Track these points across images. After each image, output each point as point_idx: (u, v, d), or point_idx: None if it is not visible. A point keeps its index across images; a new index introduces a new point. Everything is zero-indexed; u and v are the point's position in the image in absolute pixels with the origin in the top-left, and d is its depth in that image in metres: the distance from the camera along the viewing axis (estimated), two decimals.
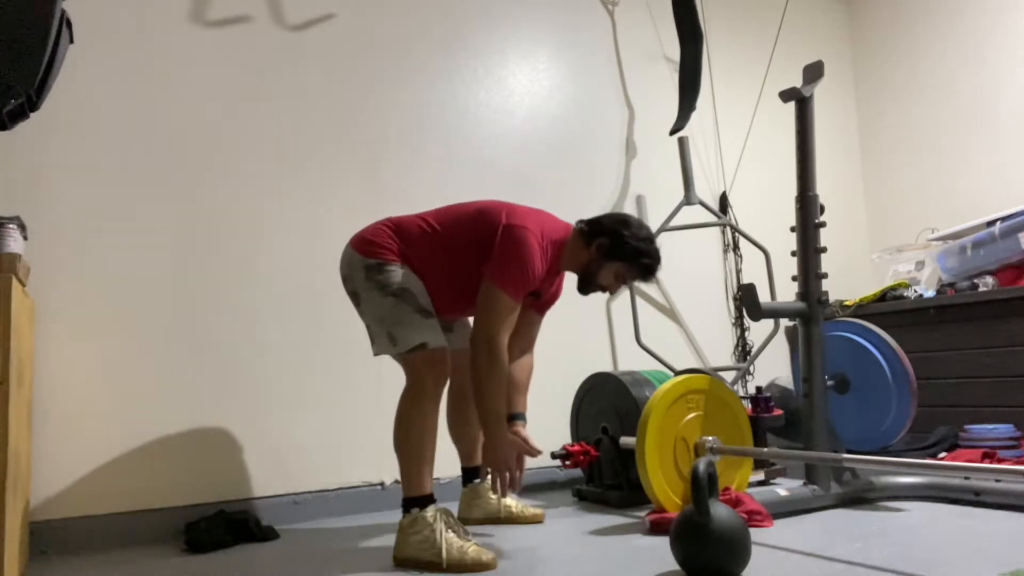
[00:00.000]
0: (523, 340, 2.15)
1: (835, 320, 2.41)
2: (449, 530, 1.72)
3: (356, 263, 1.92)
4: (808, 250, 2.16)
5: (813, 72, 2.22)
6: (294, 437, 2.45)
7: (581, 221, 2.07)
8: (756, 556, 1.57)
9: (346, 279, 1.97)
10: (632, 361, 3.16)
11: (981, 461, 2.40)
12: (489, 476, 1.94)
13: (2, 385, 1.57)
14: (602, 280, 2.03)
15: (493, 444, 1.83)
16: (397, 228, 1.96)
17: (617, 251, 1.98)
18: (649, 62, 3.55)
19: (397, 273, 1.88)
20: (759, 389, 2.63)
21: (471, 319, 2.19)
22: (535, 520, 2.19)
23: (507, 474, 1.84)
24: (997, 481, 2.01)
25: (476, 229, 1.91)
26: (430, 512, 1.75)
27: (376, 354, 1.93)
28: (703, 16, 3.53)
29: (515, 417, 2.02)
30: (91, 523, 2.12)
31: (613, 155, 3.37)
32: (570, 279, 2.13)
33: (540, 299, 2.13)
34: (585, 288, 2.06)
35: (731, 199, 3.64)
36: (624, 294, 3.23)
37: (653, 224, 3.39)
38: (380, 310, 1.88)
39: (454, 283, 1.94)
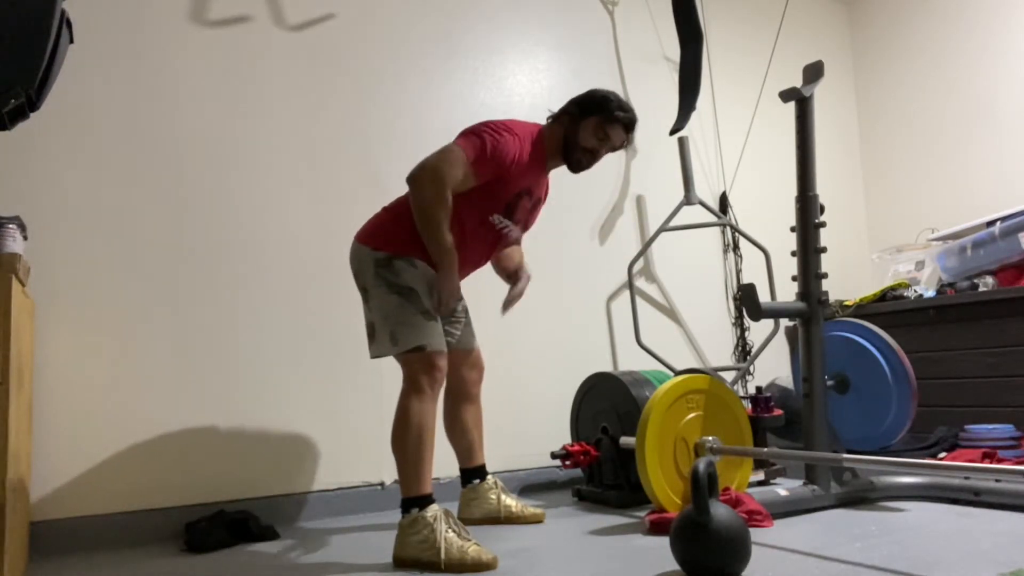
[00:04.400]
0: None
1: (835, 320, 2.41)
2: (449, 530, 1.72)
3: (365, 257, 1.93)
4: (808, 250, 2.16)
5: (813, 72, 2.21)
6: (294, 437, 2.45)
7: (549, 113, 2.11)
8: (756, 556, 1.57)
9: (357, 274, 1.98)
10: (632, 361, 3.16)
11: (981, 461, 2.40)
12: None
13: (2, 385, 1.57)
14: (584, 142, 2.03)
15: (446, 275, 1.85)
16: (395, 212, 1.98)
17: (587, 106, 2.02)
18: (649, 62, 3.55)
19: (405, 270, 1.89)
20: (759, 389, 2.63)
21: (471, 321, 2.20)
22: (535, 520, 2.19)
23: (445, 300, 1.86)
24: (997, 481, 2.01)
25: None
26: (430, 512, 1.75)
27: (373, 356, 1.94)
28: (703, 16, 3.53)
29: (519, 269, 2.13)
30: (91, 523, 2.12)
31: (613, 155, 3.36)
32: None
33: (531, 199, 2.08)
34: (572, 158, 2.04)
35: (731, 199, 3.64)
36: (624, 294, 3.24)
37: (653, 224, 3.40)
38: (385, 308, 1.89)
39: (461, 232, 1.93)
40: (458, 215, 1.91)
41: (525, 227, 2.15)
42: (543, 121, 2.09)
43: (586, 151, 2.04)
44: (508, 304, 2.10)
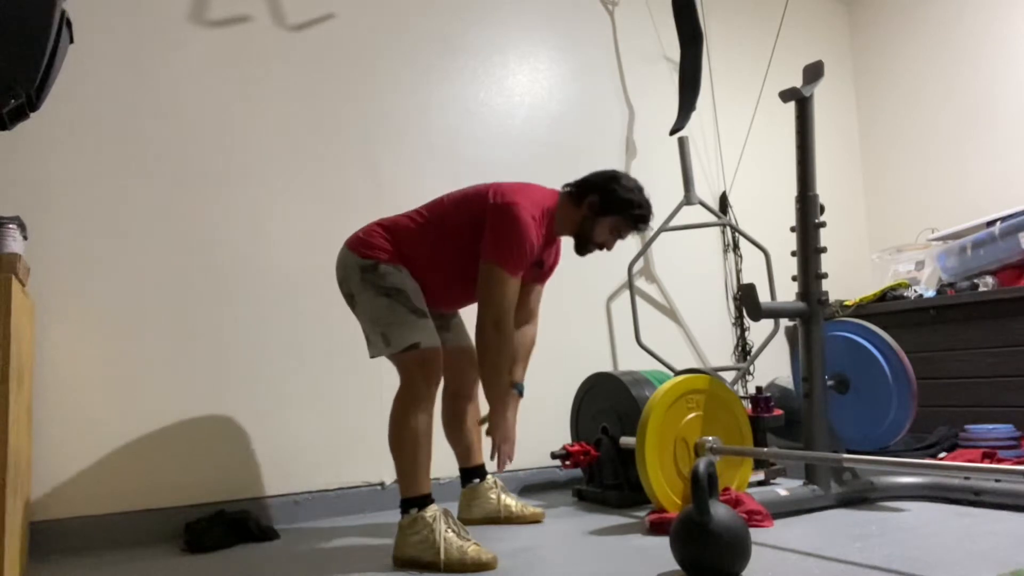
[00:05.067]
0: (525, 311, 2.17)
1: (835, 320, 2.41)
2: (449, 530, 1.72)
3: (351, 264, 1.93)
4: (808, 250, 2.16)
5: (813, 72, 2.21)
6: (294, 437, 2.45)
7: (567, 184, 2.10)
8: (756, 556, 1.57)
9: (342, 281, 1.98)
10: (632, 361, 3.16)
11: (981, 461, 2.40)
12: (495, 459, 1.98)
13: (2, 385, 1.57)
14: (597, 237, 2.05)
15: (501, 421, 1.91)
16: (390, 228, 1.98)
17: (608, 205, 2.02)
18: (649, 62, 3.55)
19: (391, 273, 1.89)
20: (759, 389, 2.63)
21: (464, 321, 2.20)
22: (535, 520, 2.19)
23: (509, 449, 1.93)
24: (997, 481, 2.01)
25: (466, 210, 1.94)
26: (429, 512, 1.75)
27: (372, 356, 1.94)
28: (703, 16, 3.53)
29: (511, 386, 2.06)
30: (91, 523, 2.12)
31: (613, 155, 3.37)
32: (568, 246, 2.13)
33: (542, 269, 2.14)
34: (582, 248, 2.08)
35: (731, 199, 3.64)
36: (624, 294, 3.24)
37: (653, 224, 3.39)
38: (374, 311, 1.89)
39: (450, 272, 1.95)
40: (456, 255, 1.93)
41: (542, 278, 2.18)
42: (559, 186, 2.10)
43: (598, 245, 2.08)
44: (498, 458, 1.99)
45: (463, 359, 2.19)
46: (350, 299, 1.97)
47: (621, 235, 2.08)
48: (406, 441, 1.81)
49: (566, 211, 2.05)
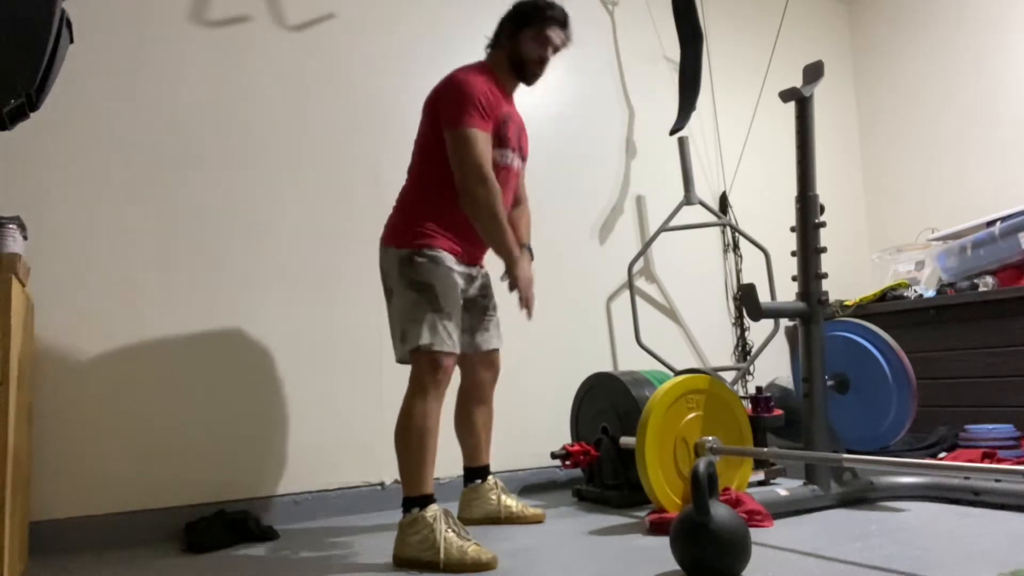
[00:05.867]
0: (514, 193, 2.17)
1: (835, 320, 2.41)
2: (449, 530, 1.72)
3: (391, 258, 1.96)
4: (808, 250, 2.16)
5: (813, 72, 2.21)
6: (294, 437, 2.45)
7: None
8: (756, 556, 1.57)
9: (385, 276, 2.01)
10: (632, 361, 3.16)
11: (981, 461, 2.40)
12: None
13: (2, 385, 1.57)
14: (528, 53, 2.06)
15: (517, 267, 1.92)
16: (401, 204, 2.03)
17: (518, 20, 2.06)
18: (649, 62, 3.55)
19: (425, 266, 1.90)
20: (759, 389, 2.63)
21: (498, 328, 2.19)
22: (535, 520, 2.19)
23: (530, 296, 1.95)
24: (997, 481, 2.01)
25: (428, 125, 2.00)
26: (430, 512, 1.75)
27: (398, 360, 1.94)
28: (703, 16, 3.53)
29: (521, 247, 2.09)
30: (91, 523, 2.12)
31: (613, 155, 3.37)
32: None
33: (511, 130, 2.08)
34: (524, 72, 2.08)
35: (731, 199, 3.64)
36: (624, 294, 3.24)
37: (653, 224, 3.40)
38: (402, 306, 1.91)
39: (455, 194, 1.95)
40: (449, 177, 1.94)
41: (522, 154, 2.15)
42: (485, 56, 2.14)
43: (535, 62, 2.07)
44: (526, 306, 2.02)
45: (483, 363, 2.18)
46: (388, 293, 2.00)
47: (548, 41, 2.06)
48: (412, 441, 1.81)
49: (496, 58, 2.10)
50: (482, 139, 1.90)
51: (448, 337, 1.88)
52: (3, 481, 1.56)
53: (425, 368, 1.84)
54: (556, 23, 2.06)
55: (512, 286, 1.95)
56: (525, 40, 2.05)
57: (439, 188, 1.96)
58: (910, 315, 3.28)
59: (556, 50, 2.10)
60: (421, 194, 2.00)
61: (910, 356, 2.28)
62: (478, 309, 2.15)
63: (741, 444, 2.19)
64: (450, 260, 1.94)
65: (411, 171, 2.07)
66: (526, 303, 1.95)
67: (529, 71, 2.08)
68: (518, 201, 2.22)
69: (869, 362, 2.28)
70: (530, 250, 2.14)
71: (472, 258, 2.07)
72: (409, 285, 1.89)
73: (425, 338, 1.84)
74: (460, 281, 1.97)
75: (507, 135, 2.02)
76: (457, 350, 1.90)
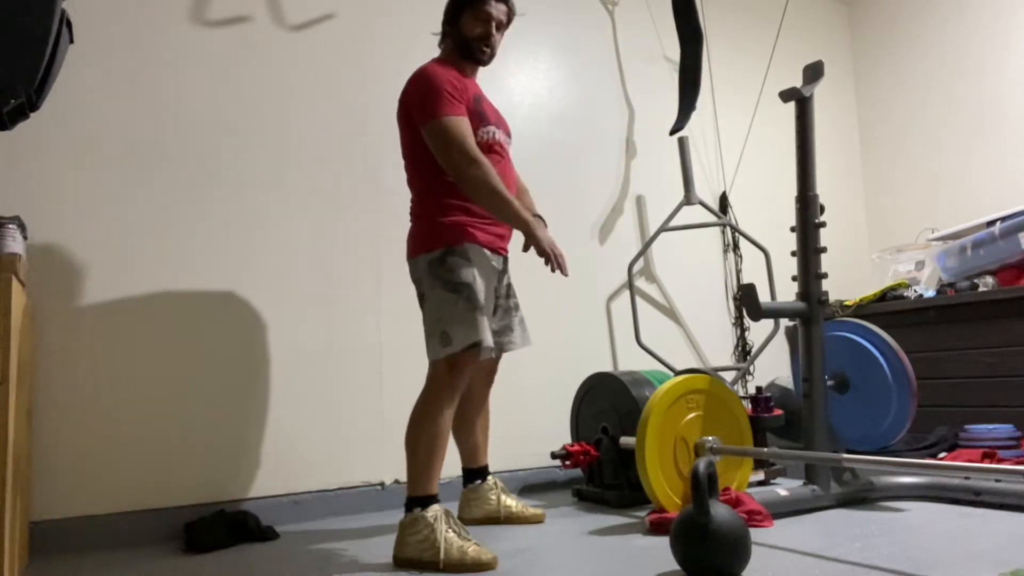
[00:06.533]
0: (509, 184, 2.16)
1: (835, 320, 2.41)
2: (449, 530, 1.72)
3: (421, 264, 1.94)
4: (808, 250, 2.16)
5: (813, 72, 2.21)
6: (294, 437, 2.45)
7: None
8: (756, 556, 1.57)
9: (417, 282, 1.99)
10: (632, 361, 3.16)
11: (981, 461, 2.40)
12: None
13: (2, 385, 1.57)
14: (470, 32, 2.05)
15: (536, 232, 1.88)
16: (419, 215, 2.01)
17: (456, 3, 2.07)
18: (649, 62, 3.55)
19: (459, 264, 1.89)
20: (759, 389, 2.63)
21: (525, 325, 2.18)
22: (535, 520, 2.19)
23: (559, 253, 1.90)
24: (997, 481, 2.01)
25: (407, 128, 1.98)
26: (430, 512, 1.75)
27: (432, 359, 1.90)
28: (703, 16, 3.53)
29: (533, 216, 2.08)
30: (91, 523, 2.12)
31: (613, 155, 3.37)
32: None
33: (485, 105, 2.09)
34: (470, 52, 2.06)
35: (731, 199, 3.64)
36: (624, 294, 3.24)
37: (653, 224, 3.40)
38: (439, 307, 1.89)
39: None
40: (430, 164, 1.94)
41: (505, 130, 2.14)
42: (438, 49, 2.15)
43: (477, 39, 2.05)
44: (558, 266, 1.95)
45: (487, 362, 2.18)
46: (421, 298, 1.98)
47: (489, 16, 2.04)
48: (425, 441, 1.81)
49: (447, 47, 2.10)
50: (460, 124, 1.88)
51: (489, 334, 1.88)
52: (3, 481, 1.56)
53: (459, 368, 1.84)
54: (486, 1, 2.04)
55: (539, 252, 1.90)
56: (466, 21, 2.05)
57: (444, 185, 1.95)
58: (910, 315, 3.28)
59: (500, 24, 2.09)
60: (430, 197, 1.98)
61: (910, 356, 2.28)
62: (502, 309, 2.15)
63: (741, 444, 2.19)
64: (481, 254, 1.94)
65: (411, 183, 2.05)
66: (556, 261, 1.89)
67: (476, 49, 2.06)
68: (519, 191, 2.19)
69: (869, 362, 2.28)
70: (542, 218, 2.09)
71: (500, 243, 2.05)
72: (444, 286, 1.88)
73: (473, 336, 1.83)
74: (493, 278, 1.98)
75: (483, 110, 2.02)
76: (492, 348, 1.90)
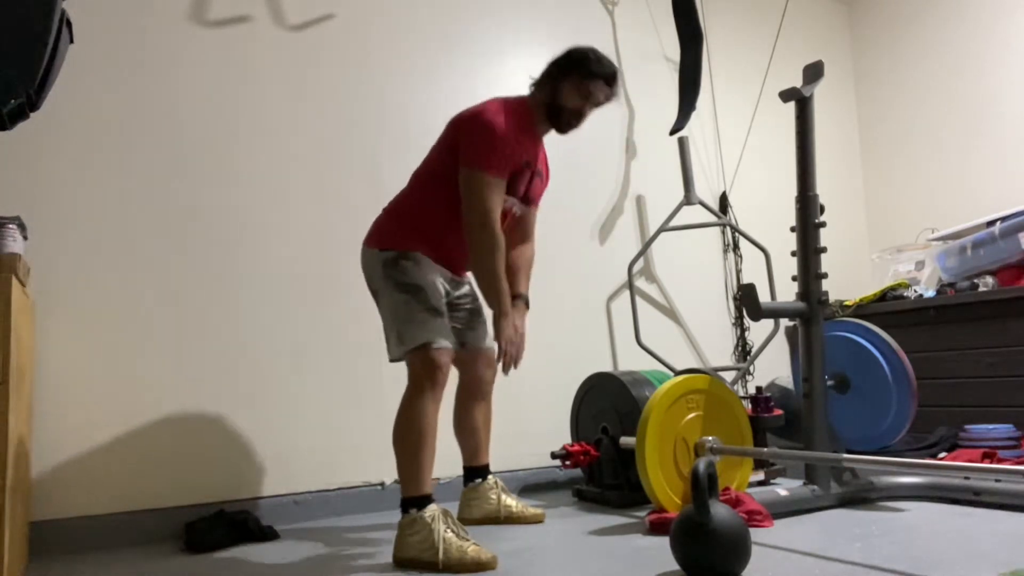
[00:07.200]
0: (522, 231, 2.17)
1: (835, 320, 2.41)
2: (448, 530, 1.72)
3: (374, 259, 1.95)
4: (808, 250, 2.16)
5: (813, 72, 2.21)
6: (294, 437, 2.45)
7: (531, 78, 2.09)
8: (756, 556, 1.57)
9: (369, 279, 2.00)
10: (632, 361, 3.16)
11: (981, 461, 2.40)
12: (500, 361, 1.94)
13: (2, 385, 1.57)
14: (568, 102, 2.01)
15: (502, 322, 1.88)
16: (394, 209, 2.02)
17: (565, 68, 2.00)
18: (649, 62, 3.55)
19: (411, 268, 1.90)
20: (759, 389, 2.63)
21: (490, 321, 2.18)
22: (535, 520, 2.18)
23: (516, 350, 1.91)
24: (997, 481, 2.01)
25: (445, 144, 1.96)
26: (428, 512, 1.74)
27: (392, 360, 1.93)
28: (703, 16, 3.53)
29: (516, 297, 2.07)
30: (91, 523, 2.12)
31: (613, 155, 3.37)
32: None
33: (539, 179, 2.10)
34: (558, 120, 2.03)
35: (731, 199, 3.64)
36: (624, 294, 3.24)
37: (653, 224, 3.40)
38: (393, 307, 1.90)
39: (456, 215, 1.92)
40: (454, 198, 1.92)
41: (528, 201, 2.13)
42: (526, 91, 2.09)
43: (572, 112, 2.03)
44: (505, 363, 1.94)
45: (481, 360, 2.18)
46: (375, 295, 1.99)
47: (591, 94, 2.01)
48: (410, 441, 1.81)
49: (536, 98, 2.04)
50: (495, 186, 1.87)
51: (445, 334, 1.88)
52: (3, 481, 1.56)
53: (424, 367, 1.83)
54: (602, 79, 2.01)
55: (496, 339, 1.92)
56: (567, 88, 2.00)
57: (435, 206, 1.95)
58: (910, 315, 3.28)
59: (597, 105, 2.05)
60: (418, 206, 1.99)
61: (910, 356, 2.28)
62: (465, 311, 2.16)
63: (741, 444, 2.18)
64: (433, 266, 1.95)
65: (414, 179, 2.05)
66: (505, 360, 1.91)
67: (564, 120, 2.03)
68: (524, 239, 2.19)
69: (869, 362, 2.28)
70: (526, 300, 2.11)
71: (454, 274, 2.07)
72: (396, 287, 1.89)
73: (423, 336, 1.84)
74: (441, 287, 1.97)
75: (516, 185, 2.01)
76: (452, 347, 1.90)
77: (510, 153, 1.90)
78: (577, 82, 2.00)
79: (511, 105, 1.97)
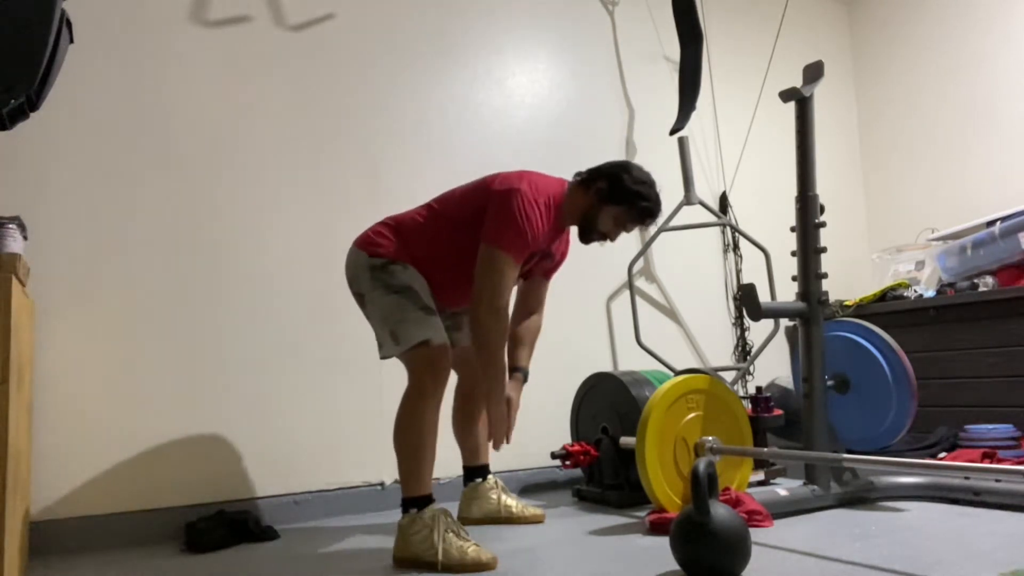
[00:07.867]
0: (533, 300, 2.17)
1: (835, 320, 2.41)
2: (448, 530, 1.72)
3: (361, 263, 1.93)
4: (808, 250, 2.16)
5: (813, 72, 2.21)
6: (294, 437, 2.45)
7: (578, 172, 2.07)
8: (756, 556, 1.57)
9: (352, 280, 1.98)
10: (632, 361, 3.16)
11: (981, 461, 2.40)
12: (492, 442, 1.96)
13: (2, 385, 1.57)
14: (602, 226, 2.01)
15: (492, 401, 1.89)
16: (397, 226, 1.98)
17: (616, 194, 1.99)
18: (649, 62, 3.55)
19: (401, 272, 1.89)
20: (759, 389, 2.63)
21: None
22: (535, 520, 2.18)
23: (501, 433, 1.92)
24: (997, 481, 2.01)
25: (470, 203, 1.93)
26: (428, 512, 1.74)
27: (383, 357, 1.92)
28: (703, 16, 3.53)
29: (516, 370, 2.08)
30: (91, 523, 2.12)
31: (613, 155, 3.35)
32: (573, 234, 2.12)
33: (552, 261, 2.12)
34: (586, 236, 2.05)
35: (731, 199, 3.64)
36: (624, 294, 3.24)
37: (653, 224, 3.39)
38: (384, 309, 1.88)
39: (457, 266, 1.93)
40: (463, 249, 1.90)
41: (538, 274, 2.14)
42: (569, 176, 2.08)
43: (600, 235, 2.04)
44: (494, 438, 1.95)
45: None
46: (360, 299, 1.97)
47: (626, 227, 2.04)
48: (410, 440, 1.80)
49: (574, 198, 2.01)
50: (512, 268, 1.85)
51: (441, 331, 1.87)
52: (3, 481, 1.56)
53: (425, 366, 1.83)
54: (644, 220, 2.03)
55: (487, 415, 1.93)
56: (608, 212, 1.99)
57: (447, 250, 1.94)
58: (910, 315, 3.28)
59: (628, 231, 2.08)
60: (429, 243, 1.95)
61: (910, 356, 2.28)
62: (448, 313, 2.13)
63: (741, 444, 2.19)
64: (419, 275, 1.94)
65: (436, 216, 1.97)
66: (496, 438, 1.92)
67: (591, 237, 2.04)
68: (531, 311, 2.18)
69: (869, 362, 2.28)
70: (525, 374, 2.11)
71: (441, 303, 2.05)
72: (386, 288, 1.87)
73: (421, 334, 1.82)
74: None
75: (528, 268, 2.02)
76: (448, 343, 1.90)
77: (532, 243, 1.89)
78: (618, 214, 2.00)
79: (547, 193, 1.92)
